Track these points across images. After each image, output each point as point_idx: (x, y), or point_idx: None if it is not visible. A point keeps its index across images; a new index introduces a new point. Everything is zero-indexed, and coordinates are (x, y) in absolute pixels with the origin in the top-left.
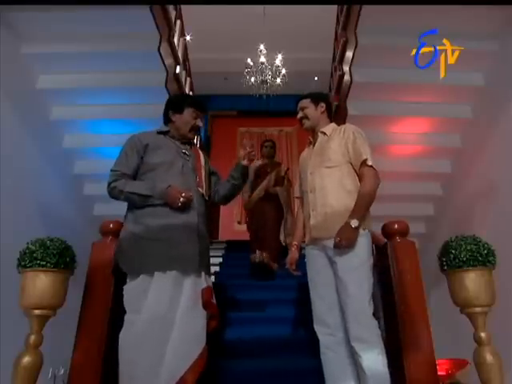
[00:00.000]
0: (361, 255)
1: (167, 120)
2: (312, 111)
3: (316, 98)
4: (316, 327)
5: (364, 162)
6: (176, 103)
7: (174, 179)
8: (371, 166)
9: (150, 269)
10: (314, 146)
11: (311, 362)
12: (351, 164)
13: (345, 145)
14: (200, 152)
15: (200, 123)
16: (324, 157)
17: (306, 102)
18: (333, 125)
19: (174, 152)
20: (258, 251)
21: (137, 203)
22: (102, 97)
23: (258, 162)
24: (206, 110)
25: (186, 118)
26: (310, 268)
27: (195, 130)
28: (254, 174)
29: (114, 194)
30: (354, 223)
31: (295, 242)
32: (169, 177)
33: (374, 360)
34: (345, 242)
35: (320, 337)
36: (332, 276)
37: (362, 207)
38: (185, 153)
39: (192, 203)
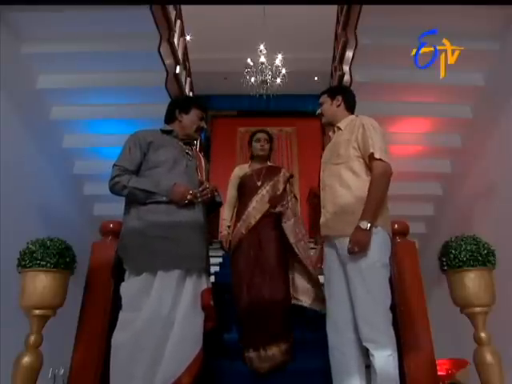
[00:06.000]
0: (371, 255)
1: (172, 119)
2: (327, 106)
3: (333, 92)
4: (327, 326)
5: (372, 156)
6: (184, 103)
7: (178, 177)
8: (380, 160)
9: (155, 267)
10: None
11: (314, 361)
12: (363, 159)
13: (355, 139)
14: (200, 154)
15: (204, 124)
16: (334, 153)
17: (323, 98)
18: (349, 118)
19: (177, 151)
20: (251, 351)
21: (140, 199)
22: (102, 97)
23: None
24: (207, 112)
25: (193, 118)
26: (325, 265)
27: (200, 130)
28: (239, 186)
29: (116, 188)
30: (364, 225)
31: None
32: (173, 175)
33: (385, 361)
34: (357, 246)
35: (329, 335)
36: (343, 275)
37: (372, 206)
38: (188, 153)
39: (197, 201)
